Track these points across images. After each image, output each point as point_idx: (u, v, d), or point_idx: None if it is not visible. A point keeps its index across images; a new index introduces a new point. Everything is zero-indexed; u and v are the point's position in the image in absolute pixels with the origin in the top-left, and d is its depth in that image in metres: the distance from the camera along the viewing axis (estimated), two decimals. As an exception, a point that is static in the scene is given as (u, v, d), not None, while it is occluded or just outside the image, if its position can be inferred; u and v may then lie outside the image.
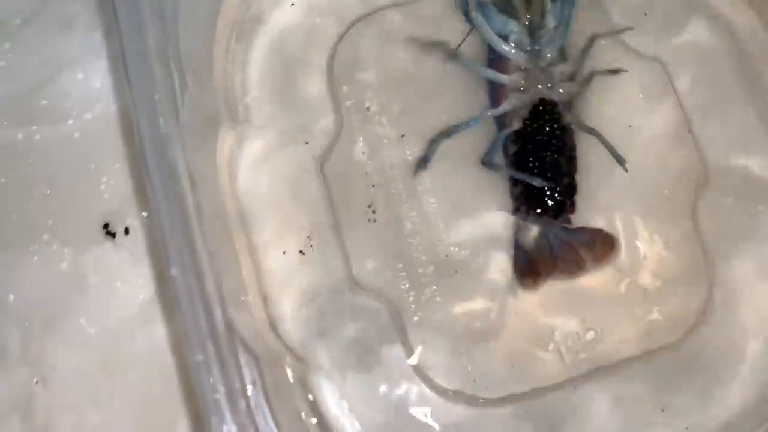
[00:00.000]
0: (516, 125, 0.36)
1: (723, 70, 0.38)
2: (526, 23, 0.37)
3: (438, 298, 0.36)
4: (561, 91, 0.36)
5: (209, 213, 0.33)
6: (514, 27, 0.36)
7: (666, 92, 0.38)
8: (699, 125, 0.38)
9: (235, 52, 0.38)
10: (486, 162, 0.36)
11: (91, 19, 0.41)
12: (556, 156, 0.36)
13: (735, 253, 0.36)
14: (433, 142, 0.37)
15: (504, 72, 0.37)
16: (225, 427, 0.28)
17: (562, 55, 0.37)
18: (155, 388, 0.36)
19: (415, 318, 0.36)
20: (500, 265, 0.36)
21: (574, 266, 0.36)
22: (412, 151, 0.38)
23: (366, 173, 0.38)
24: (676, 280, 0.36)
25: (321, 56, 0.39)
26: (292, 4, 0.40)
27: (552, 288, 0.36)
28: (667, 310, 0.36)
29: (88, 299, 0.38)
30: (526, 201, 0.36)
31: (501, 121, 0.37)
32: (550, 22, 0.37)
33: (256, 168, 0.37)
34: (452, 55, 0.37)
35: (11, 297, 0.38)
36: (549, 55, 0.36)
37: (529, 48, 0.36)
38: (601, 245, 0.36)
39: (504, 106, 0.36)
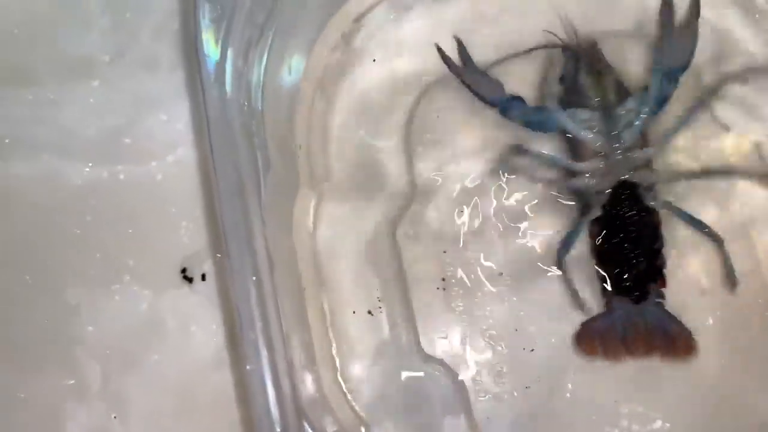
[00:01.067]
0: (596, 212, 0.35)
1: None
2: (599, 109, 0.36)
3: (506, 376, 0.36)
4: (641, 174, 0.35)
5: (285, 285, 0.33)
6: (583, 115, 0.35)
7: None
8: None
9: (316, 111, 0.38)
10: (559, 257, 0.36)
11: (176, 59, 0.42)
12: (639, 240, 0.35)
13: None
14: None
15: (582, 156, 0.36)
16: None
17: (644, 139, 0.36)
18: (224, 433, 0.38)
19: (481, 393, 0.36)
20: (570, 344, 0.36)
21: (642, 351, 0.35)
22: (488, 218, 0.37)
23: (438, 238, 0.38)
24: (749, 379, 0.35)
25: (400, 115, 0.39)
26: (374, 60, 0.39)
27: (623, 371, 0.36)
28: (738, 409, 0.35)
29: (165, 341, 0.39)
30: (611, 285, 0.35)
31: (584, 207, 0.36)
32: (629, 104, 0.35)
33: (332, 227, 0.38)
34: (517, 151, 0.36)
35: (91, 330, 0.40)
36: (626, 140, 0.35)
37: (605, 133, 0.35)
38: (681, 345, 0.35)
39: (581, 183, 0.36)
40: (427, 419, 0.36)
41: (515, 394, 0.36)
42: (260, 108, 0.34)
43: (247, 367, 0.29)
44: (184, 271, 0.40)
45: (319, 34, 0.39)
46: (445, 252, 0.38)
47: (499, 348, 0.36)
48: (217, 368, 0.38)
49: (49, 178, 0.41)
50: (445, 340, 0.37)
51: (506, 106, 0.36)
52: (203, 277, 0.39)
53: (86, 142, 0.41)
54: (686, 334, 0.35)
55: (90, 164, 0.41)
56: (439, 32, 0.39)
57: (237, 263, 0.30)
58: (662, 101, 0.36)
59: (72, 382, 0.39)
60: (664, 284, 0.36)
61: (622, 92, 0.36)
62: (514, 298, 0.37)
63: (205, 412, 0.38)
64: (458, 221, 0.38)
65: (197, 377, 0.39)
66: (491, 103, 0.37)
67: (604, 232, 0.35)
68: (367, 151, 0.39)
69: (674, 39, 0.36)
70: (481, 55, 0.38)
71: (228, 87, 0.31)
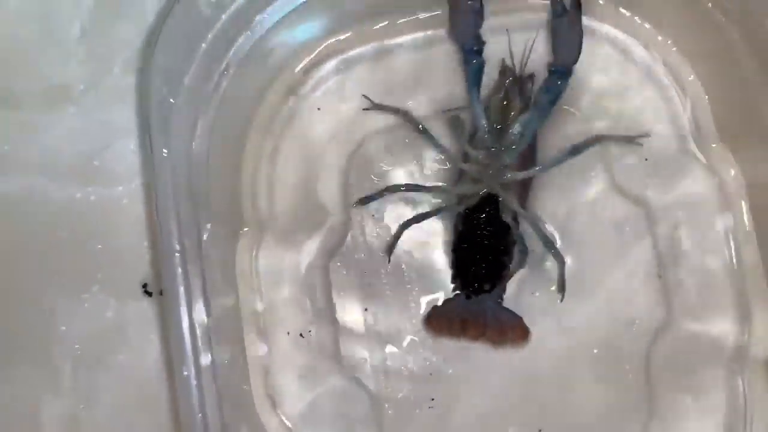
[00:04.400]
0: (461, 209, 0.41)
1: (709, 223, 0.41)
2: (495, 124, 0.40)
3: (414, 393, 0.42)
4: (506, 194, 0.40)
5: (223, 312, 0.39)
6: (482, 123, 0.40)
7: (643, 235, 0.42)
8: (671, 273, 0.41)
9: (263, 156, 0.43)
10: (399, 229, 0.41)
11: (145, 93, 0.46)
12: (487, 248, 0.40)
13: (677, 394, 0.41)
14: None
15: (468, 161, 0.41)
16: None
17: (525, 163, 0.41)
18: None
19: (392, 407, 0.42)
20: (473, 372, 0.42)
21: (480, 335, 0.41)
22: (406, 260, 0.43)
23: (364, 272, 0.43)
24: (618, 408, 0.41)
25: (340, 160, 0.44)
26: (319, 109, 0.44)
27: (510, 396, 0.42)
28: (608, 432, 0.41)
29: (128, 344, 0.45)
30: (455, 274, 0.41)
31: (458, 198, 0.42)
32: (516, 128, 0.40)
33: (273, 259, 0.43)
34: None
35: (64, 331, 0.45)
36: (507, 158, 0.40)
37: (490, 146, 0.40)
38: (514, 334, 0.41)
39: (457, 189, 0.41)
40: (345, 427, 0.42)
41: (421, 408, 0.42)
42: (206, 156, 0.39)
43: (180, 403, 0.35)
44: (145, 285, 0.45)
45: (270, 85, 0.43)
46: (369, 285, 0.43)
47: (410, 369, 0.42)
48: (169, 371, 0.45)
49: (28, 196, 0.46)
50: (365, 361, 0.43)
51: (468, 51, 0.40)
52: (161, 293, 0.45)
53: (62, 165, 0.46)
54: (520, 324, 0.41)
55: (66, 185, 0.46)
56: (379, 86, 0.44)
57: (171, 292, 0.36)
58: (552, 101, 0.40)
59: (46, 376, 0.45)
60: (503, 286, 0.41)
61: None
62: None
63: (161, 407, 0.44)
64: (383, 259, 0.43)
65: (155, 376, 0.45)
66: (460, 40, 0.41)
67: (461, 230, 0.41)
68: (308, 193, 0.44)
69: (562, 38, 0.40)
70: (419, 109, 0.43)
71: (173, 134, 0.36)
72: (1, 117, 0.46)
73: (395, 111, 0.42)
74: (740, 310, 0.41)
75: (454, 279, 0.41)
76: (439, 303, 0.42)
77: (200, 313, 0.38)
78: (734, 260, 0.41)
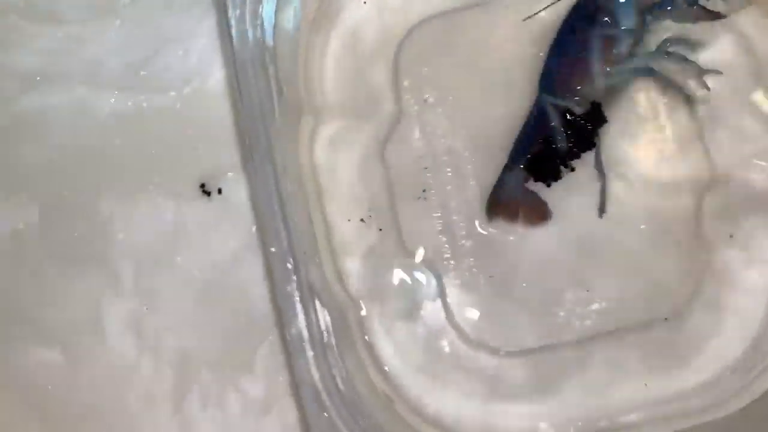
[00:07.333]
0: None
1: (741, 86, 0.44)
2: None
3: (474, 268, 0.44)
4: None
5: (294, 191, 0.41)
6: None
7: (682, 101, 0.44)
8: (709, 134, 0.44)
9: (314, 46, 0.45)
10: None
11: (189, 1, 0.47)
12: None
13: (729, 248, 0.43)
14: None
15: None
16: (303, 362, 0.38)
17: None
18: (241, 321, 0.45)
19: (454, 281, 0.44)
20: (529, 244, 0.44)
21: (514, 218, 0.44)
22: (462, 140, 0.45)
23: (420, 157, 0.45)
24: (674, 264, 0.43)
25: (388, 50, 0.45)
26: (365, 2, 0.46)
27: (566, 264, 0.44)
28: (664, 288, 0.43)
29: (187, 244, 0.46)
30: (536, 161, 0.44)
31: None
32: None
33: (329, 148, 0.45)
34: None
35: (122, 236, 0.46)
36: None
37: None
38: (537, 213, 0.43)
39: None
40: (410, 303, 0.44)
41: (481, 281, 0.44)
42: (272, 44, 0.40)
43: (272, 250, 0.37)
44: (203, 186, 0.46)
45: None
46: (426, 169, 0.45)
47: (468, 245, 0.44)
48: (232, 268, 0.45)
49: (80, 107, 0.47)
50: (425, 241, 0.44)
51: None
52: (219, 191, 0.46)
53: (111, 75, 0.47)
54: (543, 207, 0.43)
55: (116, 94, 0.47)
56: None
57: (260, 171, 0.37)
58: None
59: (109, 279, 0.46)
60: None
61: None
62: (480, 208, 0.44)
63: (221, 302, 0.45)
64: (439, 143, 0.45)
65: (215, 275, 0.46)
66: None
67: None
68: (360, 81, 0.45)
69: None
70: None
71: (248, 26, 0.37)
72: (46, 32, 0.47)
73: None
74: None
75: (532, 164, 0.43)
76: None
77: (283, 192, 0.39)
78: (770, 116, 0.44)
